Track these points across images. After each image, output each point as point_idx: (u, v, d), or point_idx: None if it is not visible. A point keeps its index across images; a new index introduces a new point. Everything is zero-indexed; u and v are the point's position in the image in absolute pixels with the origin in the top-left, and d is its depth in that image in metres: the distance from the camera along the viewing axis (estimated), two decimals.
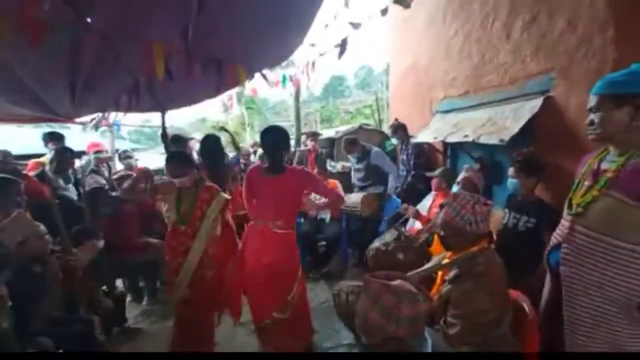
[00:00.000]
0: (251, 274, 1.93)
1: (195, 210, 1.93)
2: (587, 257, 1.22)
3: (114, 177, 3.18)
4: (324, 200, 3.38)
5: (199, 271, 1.92)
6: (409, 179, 3.48)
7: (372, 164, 3.37)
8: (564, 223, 1.35)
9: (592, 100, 1.24)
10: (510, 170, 2.04)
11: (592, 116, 1.24)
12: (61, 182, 2.79)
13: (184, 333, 1.94)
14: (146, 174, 1.99)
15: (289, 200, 1.93)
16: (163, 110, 3.03)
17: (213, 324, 2.03)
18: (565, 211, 1.36)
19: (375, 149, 3.47)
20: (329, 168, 4.05)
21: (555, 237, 1.38)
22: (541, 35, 2.24)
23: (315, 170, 3.64)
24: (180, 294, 1.93)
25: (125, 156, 3.79)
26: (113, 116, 4.22)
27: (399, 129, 3.66)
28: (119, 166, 4.23)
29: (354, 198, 3.31)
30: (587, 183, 1.29)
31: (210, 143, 2.69)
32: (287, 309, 1.88)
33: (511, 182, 2.02)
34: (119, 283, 2.95)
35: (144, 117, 6.75)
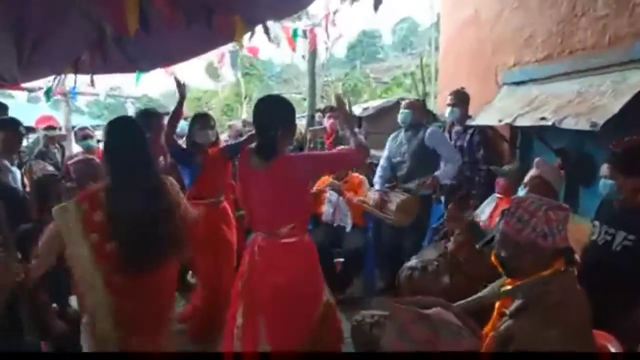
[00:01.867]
0: (257, 300, 1.94)
1: None
2: None
3: (69, 162, 3.30)
4: (358, 198, 3.43)
5: None
6: (467, 173, 3.43)
7: (426, 147, 3.24)
8: None
9: None
10: (604, 168, 2.00)
11: None
12: (7, 163, 2.92)
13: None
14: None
15: (288, 198, 1.91)
16: (137, 70, 3.12)
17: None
18: None
19: (432, 128, 3.37)
20: None
21: None
22: None
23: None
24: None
25: (83, 135, 3.90)
26: (70, 81, 4.37)
27: (463, 101, 3.52)
28: (75, 148, 4.38)
29: (376, 208, 3.28)
30: None
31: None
32: (309, 341, 1.89)
33: (605, 183, 1.98)
34: (73, 300, 3.07)
35: (108, 84, 6.95)
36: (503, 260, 1.49)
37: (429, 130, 3.29)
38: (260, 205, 1.95)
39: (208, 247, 2.85)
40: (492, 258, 1.53)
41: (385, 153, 3.57)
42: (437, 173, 3.19)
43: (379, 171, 3.53)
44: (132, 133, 1.90)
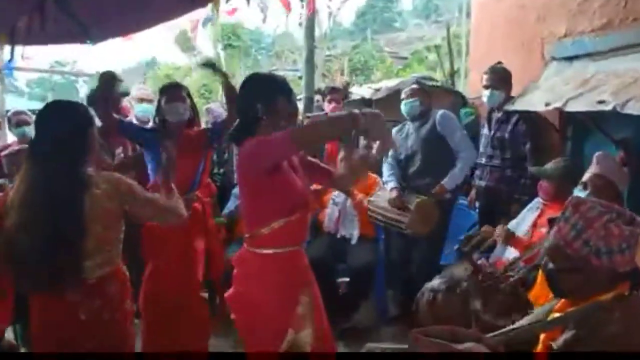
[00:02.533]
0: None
1: None
2: None
3: (1, 153, 3.30)
4: (367, 199, 3.45)
5: None
6: (508, 173, 3.41)
7: (438, 133, 3.34)
8: None
9: None
10: None
11: None
12: None
13: None
14: None
15: (248, 193, 1.92)
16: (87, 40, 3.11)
17: None
18: None
19: (442, 111, 3.48)
20: None
21: None
22: None
23: (343, 154, 3.65)
24: None
25: (17, 121, 3.90)
26: (4, 54, 4.36)
27: (505, 80, 3.48)
28: (9, 137, 4.37)
29: (390, 209, 3.32)
30: None
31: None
32: None
33: None
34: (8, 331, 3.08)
35: (52, 57, 6.95)
36: (550, 275, 1.48)
37: (439, 113, 3.38)
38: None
39: (168, 258, 2.80)
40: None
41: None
42: (444, 181, 3.29)
43: (388, 169, 3.58)
44: (58, 123, 1.90)
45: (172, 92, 2.92)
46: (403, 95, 3.49)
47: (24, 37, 2.97)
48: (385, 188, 3.49)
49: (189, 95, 2.99)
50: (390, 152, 3.57)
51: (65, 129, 1.88)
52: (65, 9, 2.42)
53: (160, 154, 2.79)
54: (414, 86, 3.57)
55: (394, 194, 3.32)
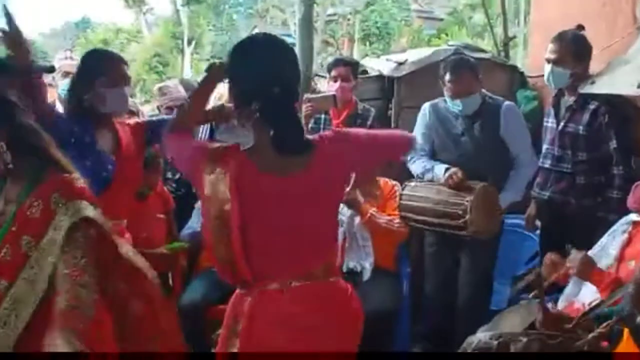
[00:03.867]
0: None
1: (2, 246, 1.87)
2: None
3: None
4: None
5: None
6: (581, 180, 3.42)
7: (502, 139, 3.40)
8: None
9: None
10: None
11: None
12: None
13: None
14: None
15: (330, 215, 2.02)
16: None
17: None
18: None
19: (508, 102, 3.52)
20: None
21: None
22: None
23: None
24: None
25: None
26: None
27: (580, 53, 3.45)
28: None
29: (443, 191, 3.33)
30: None
31: None
32: None
33: None
34: None
35: None
36: (632, 324, 1.51)
37: (505, 106, 3.44)
38: (285, 233, 1.91)
39: None
40: None
41: (420, 135, 3.59)
42: (501, 195, 3.36)
43: (425, 161, 3.57)
44: None
45: (114, 70, 2.78)
46: (451, 91, 3.40)
47: None
48: (418, 181, 3.53)
49: (126, 68, 2.90)
50: (425, 137, 3.59)
51: None
52: None
53: (95, 157, 2.69)
54: (464, 70, 3.44)
55: (454, 169, 3.31)
